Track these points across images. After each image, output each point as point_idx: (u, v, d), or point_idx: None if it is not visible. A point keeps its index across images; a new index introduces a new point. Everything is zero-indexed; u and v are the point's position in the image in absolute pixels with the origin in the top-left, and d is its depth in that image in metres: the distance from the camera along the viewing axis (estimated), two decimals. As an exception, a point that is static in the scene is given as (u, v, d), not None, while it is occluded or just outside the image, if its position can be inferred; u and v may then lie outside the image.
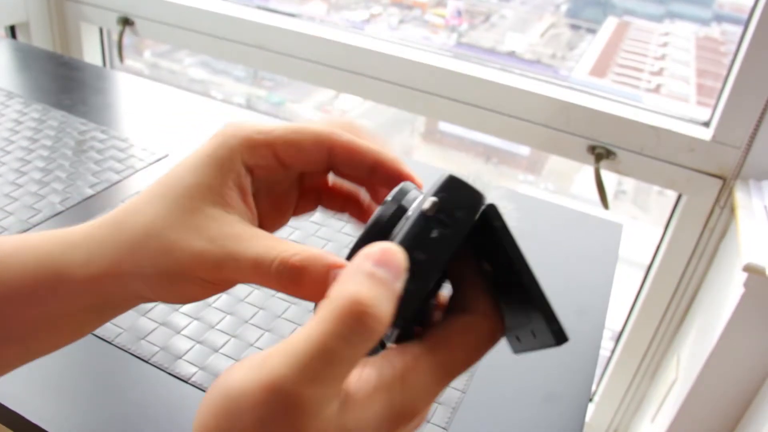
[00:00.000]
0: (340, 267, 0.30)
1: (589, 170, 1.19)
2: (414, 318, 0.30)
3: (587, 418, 1.34)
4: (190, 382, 0.61)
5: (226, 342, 0.65)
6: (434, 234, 0.28)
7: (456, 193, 0.29)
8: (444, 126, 2.74)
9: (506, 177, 2.72)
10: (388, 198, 0.32)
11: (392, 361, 0.28)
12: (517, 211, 0.30)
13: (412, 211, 0.30)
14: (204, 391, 0.60)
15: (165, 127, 1.05)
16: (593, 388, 1.34)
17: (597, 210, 1.11)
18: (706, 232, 1.12)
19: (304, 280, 0.30)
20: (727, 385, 0.98)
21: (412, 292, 0.28)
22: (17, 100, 1.06)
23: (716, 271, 1.11)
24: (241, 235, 0.31)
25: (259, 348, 0.64)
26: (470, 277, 0.31)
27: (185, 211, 0.32)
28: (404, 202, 0.31)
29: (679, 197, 1.16)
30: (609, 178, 1.17)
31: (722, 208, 1.08)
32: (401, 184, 0.33)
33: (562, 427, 0.62)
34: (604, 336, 0.75)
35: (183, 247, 0.31)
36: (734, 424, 1.01)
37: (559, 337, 0.28)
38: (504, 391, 0.65)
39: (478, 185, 0.29)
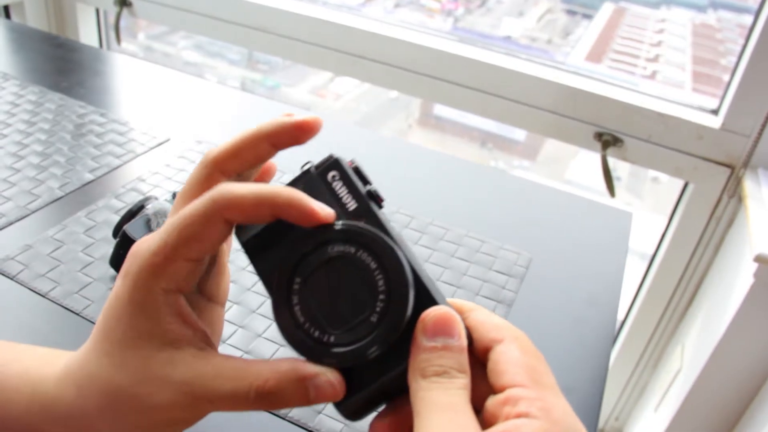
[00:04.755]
0: (312, 377, 0.31)
1: (583, 157, 1.18)
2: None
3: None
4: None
5: (233, 333, 0.63)
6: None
7: None
8: (439, 111, 2.72)
9: (502, 163, 2.71)
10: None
11: None
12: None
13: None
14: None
15: (166, 110, 1.02)
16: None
17: (594, 197, 1.09)
18: (712, 221, 1.11)
19: (284, 400, 0.31)
20: (733, 375, 0.98)
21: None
22: (13, 82, 1.04)
23: (723, 261, 1.10)
24: (204, 374, 0.31)
25: (267, 338, 0.63)
26: None
27: (138, 364, 0.32)
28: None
29: (685, 185, 1.15)
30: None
31: (730, 197, 1.07)
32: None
33: (578, 420, 0.61)
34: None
35: (154, 403, 0.31)
36: (739, 415, 1.01)
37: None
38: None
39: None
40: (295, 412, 0.57)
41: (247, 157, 0.35)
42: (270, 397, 0.30)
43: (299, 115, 0.35)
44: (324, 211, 0.32)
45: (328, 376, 0.31)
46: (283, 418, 0.56)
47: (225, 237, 0.33)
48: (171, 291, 0.32)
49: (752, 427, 0.96)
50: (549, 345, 0.68)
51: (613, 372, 1.35)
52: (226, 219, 0.32)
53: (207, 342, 0.34)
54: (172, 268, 0.32)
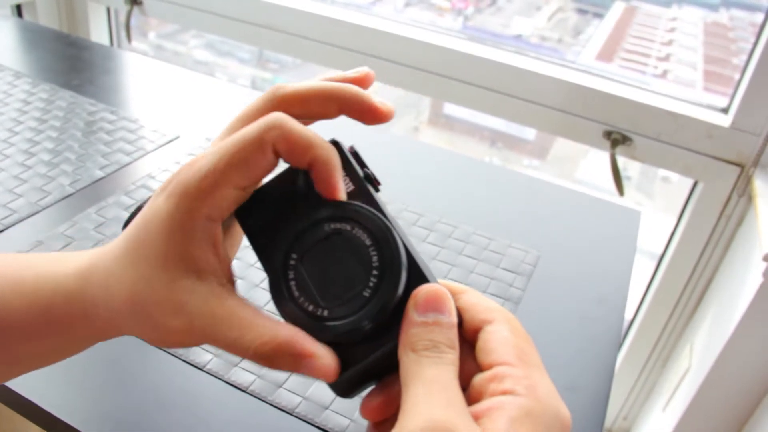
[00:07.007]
0: (308, 358, 0.31)
1: (594, 156, 1.17)
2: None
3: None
4: (205, 369, 0.60)
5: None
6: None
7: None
8: (449, 110, 2.72)
9: (511, 162, 2.71)
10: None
11: None
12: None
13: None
14: (219, 378, 0.59)
15: (176, 108, 1.03)
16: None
17: (605, 196, 1.09)
18: (722, 220, 1.11)
19: (277, 365, 0.31)
20: (742, 375, 0.97)
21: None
22: (25, 80, 1.04)
23: (732, 260, 1.10)
24: (215, 314, 0.32)
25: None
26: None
27: (162, 284, 0.32)
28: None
29: (695, 184, 1.14)
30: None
31: (740, 196, 1.07)
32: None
33: (584, 417, 0.61)
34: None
35: (166, 324, 0.32)
36: (748, 414, 1.00)
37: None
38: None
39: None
40: (302, 408, 0.57)
41: (314, 110, 0.35)
42: (265, 359, 0.31)
43: (377, 99, 0.35)
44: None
45: (323, 360, 0.31)
46: (290, 414, 0.57)
47: (273, 167, 0.33)
48: (212, 218, 0.32)
49: (761, 426, 0.96)
50: (556, 343, 0.68)
51: (621, 371, 1.34)
52: (275, 150, 0.32)
53: (229, 277, 0.34)
54: (219, 194, 0.31)
